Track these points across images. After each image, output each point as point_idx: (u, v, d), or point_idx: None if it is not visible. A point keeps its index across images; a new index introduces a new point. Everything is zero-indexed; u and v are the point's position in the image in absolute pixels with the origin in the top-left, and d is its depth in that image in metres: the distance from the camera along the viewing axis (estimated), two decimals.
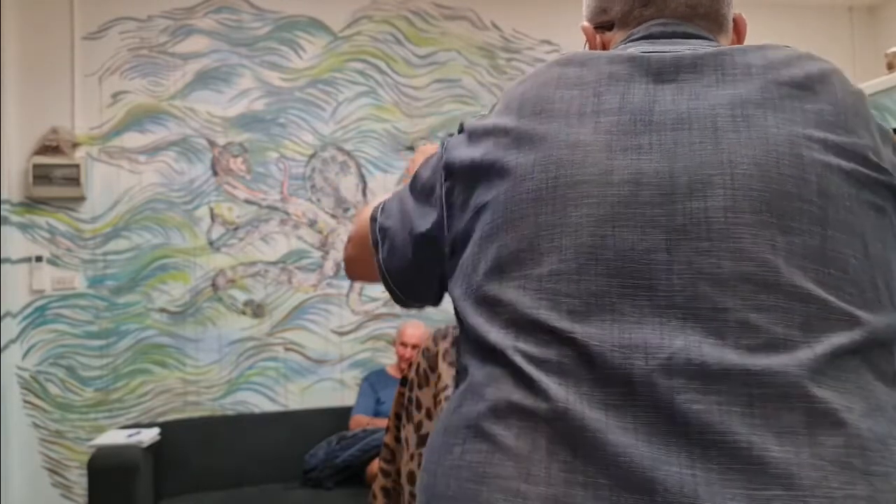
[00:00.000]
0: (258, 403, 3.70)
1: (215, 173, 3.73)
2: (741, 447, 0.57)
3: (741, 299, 0.61)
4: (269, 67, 3.82)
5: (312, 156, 3.86)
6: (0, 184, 3.41)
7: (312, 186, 3.85)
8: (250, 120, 3.78)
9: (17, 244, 3.49)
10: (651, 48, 0.77)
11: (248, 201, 3.77)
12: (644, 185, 0.65)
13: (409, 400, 1.49)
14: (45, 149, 3.48)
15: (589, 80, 0.73)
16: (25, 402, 3.45)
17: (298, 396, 3.75)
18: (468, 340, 0.71)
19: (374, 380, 3.61)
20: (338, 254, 3.87)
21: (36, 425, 3.45)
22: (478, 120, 0.79)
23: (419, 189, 0.82)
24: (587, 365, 0.62)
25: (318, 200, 3.86)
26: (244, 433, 3.48)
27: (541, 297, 0.65)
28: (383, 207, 0.88)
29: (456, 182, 0.76)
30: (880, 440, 0.59)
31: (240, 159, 3.77)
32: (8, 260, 3.45)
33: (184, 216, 3.68)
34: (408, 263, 0.83)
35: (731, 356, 0.60)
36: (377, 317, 3.89)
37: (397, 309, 3.86)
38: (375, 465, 3.13)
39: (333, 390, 3.80)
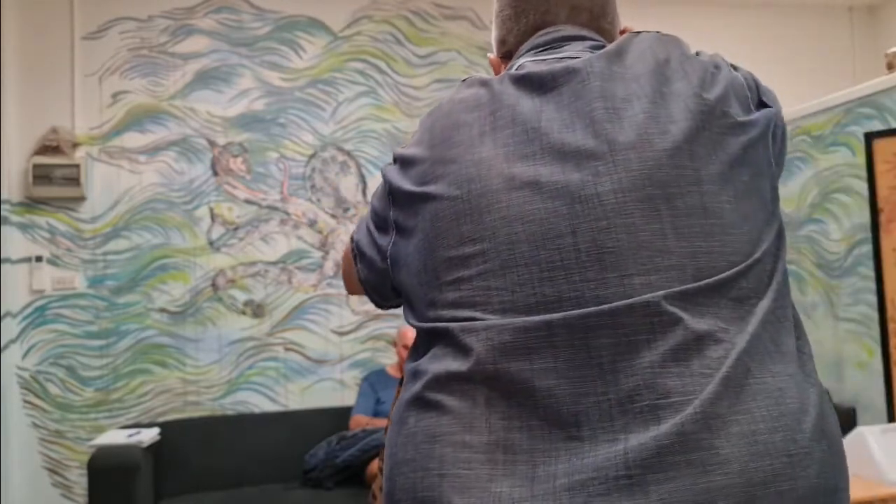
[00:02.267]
0: (258, 403, 3.70)
1: (215, 173, 3.73)
2: (644, 368, 0.67)
3: (641, 264, 0.71)
4: (269, 67, 3.82)
5: (312, 156, 3.86)
6: (0, 184, 3.41)
7: (312, 186, 3.85)
8: (250, 120, 3.78)
9: (17, 244, 3.49)
10: (535, 61, 0.87)
11: (248, 201, 3.77)
12: (543, 184, 0.75)
13: None
14: (45, 149, 3.49)
15: (485, 102, 0.83)
16: (25, 402, 3.45)
17: (298, 396, 3.75)
18: (418, 338, 0.82)
19: (374, 380, 3.61)
20: (338, 254, 3.87)
21: (36, 425, 3.45)
22: (403, 149, 0.89)
23: (375, 215, 0.93)
24: (511, 329, 0.72)
25: (318, 200, 3.86)
26: (244, 433, 3.48)
27: (474, 295, 0.75)
28: (358, 227, 1.00)
29: (397, 207, 0.86)
30: (753, 354, 0.69)
31: (240, 159, 3.77)
32: (8, 260, 3.45)
33: (184, 216, 3.68)
34: (377, 274, 0.93)
35: (635, 299, 0.70)
36: (377, 317, 3.89)
37: (397, 309, 3.86)
38: (375, 465, 3.13)
39: (333, 390, 3.80)
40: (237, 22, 3.81)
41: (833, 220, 3.21)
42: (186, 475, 3.36)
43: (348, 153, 3.90)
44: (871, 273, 2.99)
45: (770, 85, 4.44)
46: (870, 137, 2.96)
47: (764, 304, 0.73)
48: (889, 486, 2.30)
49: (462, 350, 0.73)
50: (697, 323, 0.69)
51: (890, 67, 3.01)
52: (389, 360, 3.84)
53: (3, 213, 3.42)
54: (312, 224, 3.84)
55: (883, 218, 2.93)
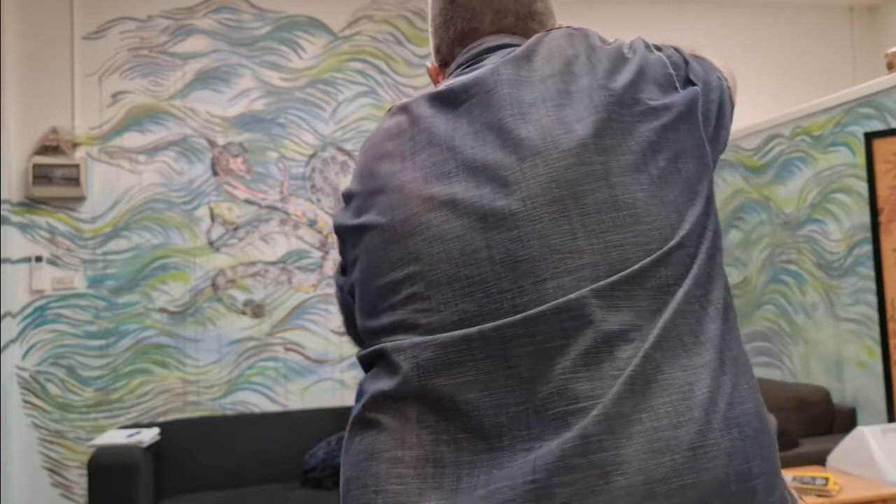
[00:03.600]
0: (258, 403, 3.70)
1: (215, 173, 3.73)
2: (556, 375, 0.68)
3: (553, 268, 0.71)
4: (269, 67, 3.82)
5: (312, 156, 3.86)
6: (0, 184, 3.41)
7: (312, 186, 3.85)
8: (250, 120, 3.78)
9: (17, 244, 3.49)
10: (454, 79, 0.87)
11: (248, 201, 3.77)
12: (458, 202, 0.76)
13: None
14: (45, 149, 3.49)
15: (405, 127, 0.84)
16: (25, 402, 3.45)
17: (298, 396, 3.75)
18: (363, 366, 0.83)
19: None
20: (338, 254, 3.87)
21: (36, 425, 3.45)
22: (345, 187, 0.91)
23: (342, 259, 0.96)
24: (433, 346, 0.73)
25: (318, 200, 3.86)
26: (244, 433, 3.48)
27: (405, 318, 0.76)
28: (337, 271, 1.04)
29: (345, 244, 0.89)
30: (665, 348, 0.68)
31: (240, 159, 3.77)
32: (8, 260, 3.45)
33: (184, 216, 3.68)
34: (347, 313, 0.96)
35: (547, 305, 0.70)
36: None
37: None
38: None
39: (333, 390, 3.80)
40: (237, 22, 3.81)
41: (833, 220, 3.21)
42: (186, 475, 3.36)
43: (348, 153, 3.90)
44: (871, 273, 2.99)
45: (770, 85, 4.45)
46: (870, 137, 2.96)
47: (682, 291, 0.71)
48: (889, 486, 2.30)
49: (392, 369, 0.75)
50: (609, 323, 0.69)
51: (890, 67, 3.01)
52: None
53: (3, 213, 3.42)
54: (312, 224, 3.84)
55: (883, 218, 2.93)
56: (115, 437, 3.15)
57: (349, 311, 0.93)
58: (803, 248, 3.37)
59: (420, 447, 0.71)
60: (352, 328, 0.96)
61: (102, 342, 3.55)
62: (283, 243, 3.80)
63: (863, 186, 3.04)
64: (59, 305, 3.52)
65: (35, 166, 3.43)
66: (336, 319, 3.83)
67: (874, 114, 3.00)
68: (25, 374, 3.46)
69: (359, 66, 3.94)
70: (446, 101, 0.83)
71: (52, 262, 3.52)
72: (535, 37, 0.85)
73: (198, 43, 3.75)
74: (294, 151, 3.83)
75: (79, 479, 3.46)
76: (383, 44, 3.98)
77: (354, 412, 0.78)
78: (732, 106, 0.91)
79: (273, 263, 3.78)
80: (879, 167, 2.94)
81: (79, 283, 3.54)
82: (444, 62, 0.98)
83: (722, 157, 3.87)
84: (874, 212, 2.95)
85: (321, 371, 3.79)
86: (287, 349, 3.76)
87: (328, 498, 3.17)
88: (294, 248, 3.81)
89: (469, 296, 0.73)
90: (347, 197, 0.87)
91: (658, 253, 0.72)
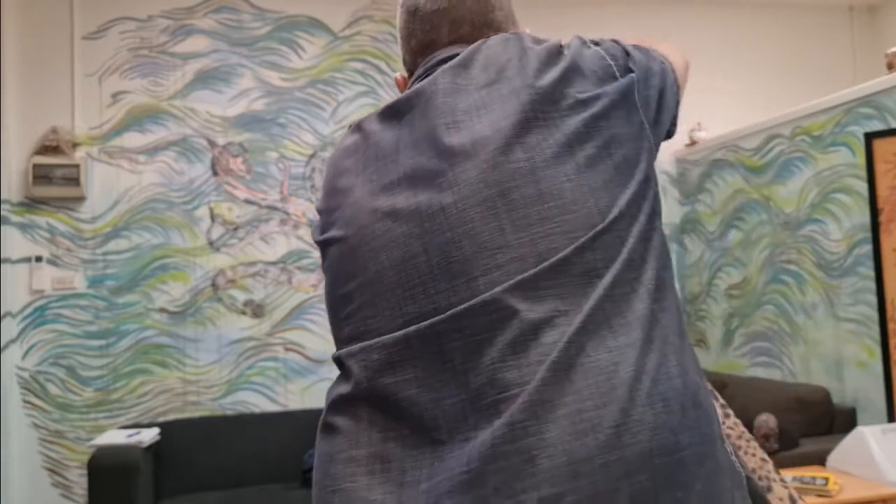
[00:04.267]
0: (258, 403, 3.70)
1: (215, 173, 3.73)
2: (486, 365, 0.70)
3: (484, 265, 0.74)
4: (269, 67, 3.82)
5: (312, 156, 3.86)
6: (0, 184, 3.41)
7: (312, 186, 3.85)
8: (250, 120, 3.78)
9: (17, 244, 3.49)
10: (402, 94, 0.90)
11: (248, 201, 3.77)
12: (399, 210, 0.79)
13: None
14: (45, 149, 3.49)
15: (359, 144, 0.88)
16: (25, 402, 3.45)
17: (298, 396, 3.75)
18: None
19: None
20: None
21: (36, 425, 3.45)
22: (315, 204, 0.91)
23: None
24: (378, 347, 0.76)
25: (318, 200, 3.85)
26: (244, 433, 3.48)
27: (358, 327, 0.79)
28: None
29: (322, 259, 0.92)
30: (591, 332, 0.70)
31: (240, 159, 3.77)
32: (8, 260, 3.45)
33: (184, 216, 3.68)
34: None
35: (475, 300, 0.73)
36: None
37: None
38: None
39: None
40: (237, 22, 3.81)
41: (833, 220, 3.21)
42: (186, 475, 3.36)
43: None
44: (871, 273, 2.99)
45: (770, 85, 4.45)
46: (870, 137, 2.96)
47: (611, 274, 0.73)
48: (889, 486, 2.30)
49: (347, 374, 0.79)
50: (534, 312, 0.71)
51: (890, 67, 3.01)
52: None
53: (3, 213, 3.42)
54: (312, 224, 3.84)
55: (883, 218, 2.93)
56: (115, 437, 3.15)
57: None
58: (803, 248, 3.37)
59: (370, 445, 0.74)
60: None
61: (102, 342, 3.55)
62: (283, 243, 3.80)
63: (863, 186, 3.04)
64: (59, 305, 3.52)
65: (35, 166, 3.43)
66: None
67: (874, 114, 3.00)
68: (25, 374, 3.46)
69: (359, 66, 3.94)
70: (392, 114, 0.86)
71: (52, 262, 3.52)
72: (474, 45, 0.88)
73: (198, 43, 3.75)
74: (294, 151, 3.83)
75: (79, 479, 3.46)
76: (383, 44, 3.98)
77: (320, 420, 0.82)
78: (678, 89, 0.94)
79: (273, 263, 3.78)
80: (879, 167, 2.94)
81: (79, 283, 3.54)
82: (410, 73, 1.01)
83: (722, 157, 3.88)
84: (874, 212, 2.94)
85: (321, 371, 3.79)
86: (287, 349, 3.76)
87: None
88: (294, 248, 3.81)
89: (411, 299, 0.76)
90: (318, 212, 0.92)
91: (583, 239, 0.74)
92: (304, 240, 3.83)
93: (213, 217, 3.71)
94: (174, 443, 3.37)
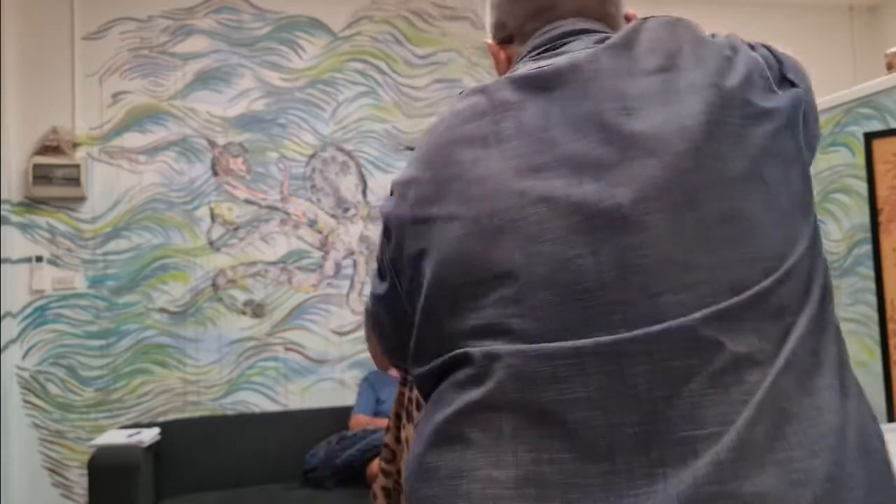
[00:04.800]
0: (258, 403, 3.70)
1: (215, 173, 3.73)
2: (682, 397, 0.62)
3: (671, 282, 0.65)
4: (269, 67, 3.82)
5: (312, 156, 3.86)
6: (0, 184, 3.41)
7: (312, 186, 3.85)
8: (250, 120, 3.78)
9: (17, 244, 3.49)
10: (537, 63, 0.79)
11: (248, 201, 3.77)
12: (557, 199, 0.69)
13: (410, 400, 1.49)
14: (45, 149, 3.48)
15: (486, 111, 0.76)
16: (25, 402, 3.45)
17: (298, 396, 3.75)
18: (429, 379, 0.76)
19: (374, 380, 3.61)
20: (338, 254, 3.87)
21: (36, 425, 3.45)
22: (400, 174, 0.82)
23: (378, 264, 0.87)
24: (538, 356, 0.66)
25: (318, 200, 3.86)
26: (244, 433, 3.48)
27: (493, 322, 0.69)
28: (371, 292, 0.94)
29: (396, 242, 0.79)
30: (790, 373, 0.64)
31: (240, 159, 3.77)
32: (8, 260, 3.45)
33: (184, 216, 3.68)
34: (390, 331, 0.87)
35: (670, 323, 0.65)
36: None
37: None
38: (376, 465, 3.13)
39: (333, 390, 3.80)
40: (237, 22, 3.81)
41: (833, 220, 3.21)
42: (186, 475, 3.36)
43: (348, 153, 3.90)
44: (871, 273, 2.99)
45: None
46: (870, 137, 2.96)
47: (806, 314, 0.67)
48: None
49: (482, 378, 0.68)
50: (736, 345, 0.64)
51: (890, 67, 3.01)
52: None
53: (3, 213, 3.42)
54: (312, 224, 3.84)
55: (883, 218, 2.93)
56: (115, 437, 3.15)
57: (392, 322, 0.84)
58: None
59: (517, 466, 0.64)
60: (394, 341, 0.86)
61: (103, 342, 3.55)
62: (284, 243, 3.80)
63: (862, 186, 3.04)
64: (59, 305, 3.52)
65: (35, 166, 3.43)
66: (336, 319, 3.83)
67: (874, 114, 3.00)
68: (25, 374, 3.46)
69: (359, 66, 3.94)
70: (536, 85, 0.75)
71: (53, 262, 3.52)
72: (631, 24, 0.78)
73: (198, 43, 3.75)
74: (294, 151, 3.83)
75: (79, 479, 3.46)
76: (383, 44, 3.98)
77: (431, 425, 0.70)
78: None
79: (273, 263, 3.78)
80: (879, 167, 2.94)
81: (79, 283, 3.54)
82: (510, 38, 0.90)
83: None
84: (874, 212, 2.95)
85: (321, 371, 3.79)
86: (287, 349, 3.76)
87: (328, 498, 3.17)
88: (294, 248, 3.81)
89: (570, 304, 0.67)
90: (406, 184, 0.79)
91: (778, 273, 0.67)
92: (304, 240, 3.83)
93: (213, 217, 3.71)
94: (174, 443, 3.37)
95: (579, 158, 0.70)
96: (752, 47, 0.80)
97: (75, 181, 3.47)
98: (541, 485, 0.63)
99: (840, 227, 3.17)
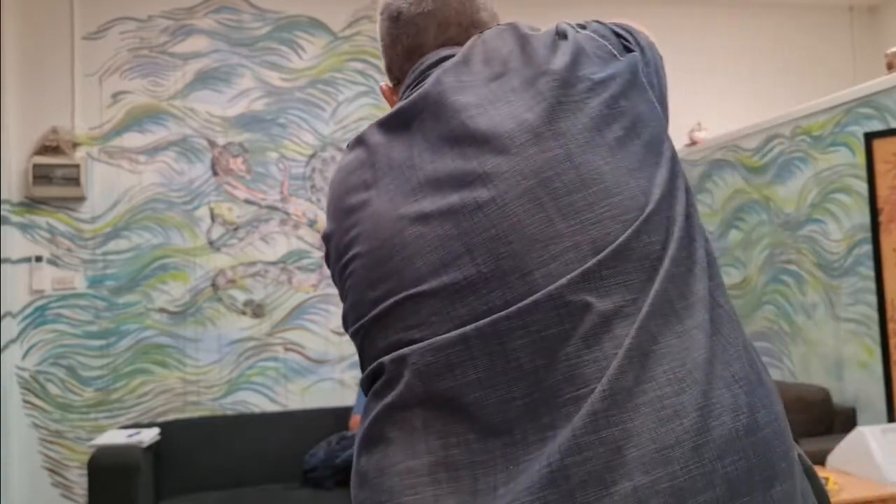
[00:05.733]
0: (258, 403, 3.70)
1: (215, 173, 3.73)
2: (560, 361, 0.68)
3: (537, 258, 0.71)
4: (269, 67, 3.82)
5: (312, 156, 3.86)
6: (0, 184, 3.41)
7: (312, 186, 3.85)
8: (250, 120, 3.79)
9: (17, 244, 3.49)
10: (402, 102, 0.87)
11: (248, 201, 3.77)
12: (429, 214, 0.76)
13: None
14: (45, 149, 3.49)
15: (364, 158, 0.85)
16: (25, 402, 3.45)
17: (298, 396, 3.75)
18: (364, 391, 0.83)
19: None
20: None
21: (36, 425, 3.45)
22: (323, 230, 0.92)
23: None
24: (431, 350, 0.72)
25: (318, 200, 3.86)
26: (244, 433, 3.48)
27: (399, 337, 0.75)
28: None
29: (337, 283, 0.88)
30: (658, 317, 0.69)
31: (240, 159, 3.77)
32: (8, 260, 3.45)
33: (184, 216, 3.68)
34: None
35: (538, 294, 0.70)
36: None
37: None
38: None
39: (333, 390, 3.80)
40: (237, 22, 3.81)
41: (833, 220, 3.21)
42: (186, 475, 3.36)
43: None
44: (871, 273, 2.99)
45: (770, 85, 4.45)
46: (870, 137, 2.96)
47: (669, 256, 0.71)
48: (889, 486, 2.30)
49: (394, 381, 0.74)
50: (604, 303, 0.69)
51: (890, 67, 3.01)
52: None
53: (3, 213, 3.42)
54: (312, 224, 3.84)
55: (883, 218, 2.93)
56: (115, 437, 3.15)
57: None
58: (803, 248, 3.37)
59: (430, 453, 0.70)
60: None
61: (102, 342, 3.55)
62: (283, 243, 3.80)
63: (863, 186, 3.04)
64: (59, 305, 3.52)
65: (35, 166, 3.43)
66: (336, 320, 3.83)
67: (874, 114, 3.00)
68: (25, 374, 3.46)
69: (359, 66, 3.94)
70: (397, 123, 0.84)
71: (53, 262, 3.52)
72: (469, 42, 0.86)
73: (198, 43, 3.75)
74: (294, 151, 3.83)
75: (79, 479, 3.46)
76: None
77: (360, 433, 0.77)
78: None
79: (273, 263, 3.78)
80: (879, 167, 2.94)
81: (79, 283, 3.54)
82: (397, 80, 0.99)
83: (722, 157, 3.88)
84: (874, 212, 2.95)
85: (321, 371, 3.79)
86: (287, 349, 3.76)
87: (328, 498, 3.17)
88: (294, 248, 3.81)
89: (459, 301, 0.73)
90: (327, 239, 0.87)
91: (637, 222, 0.72)
92: (304, 240, 3.83)
93: (213, 217, 3.71)
94: (174, 443, 3.37)
95: (441, 175, 0.77)
96: (583, 27, 0.87)
97: (75, 181, 3.47)
98: (451, 467, 0.69)
99: (840, 227, 3.17)
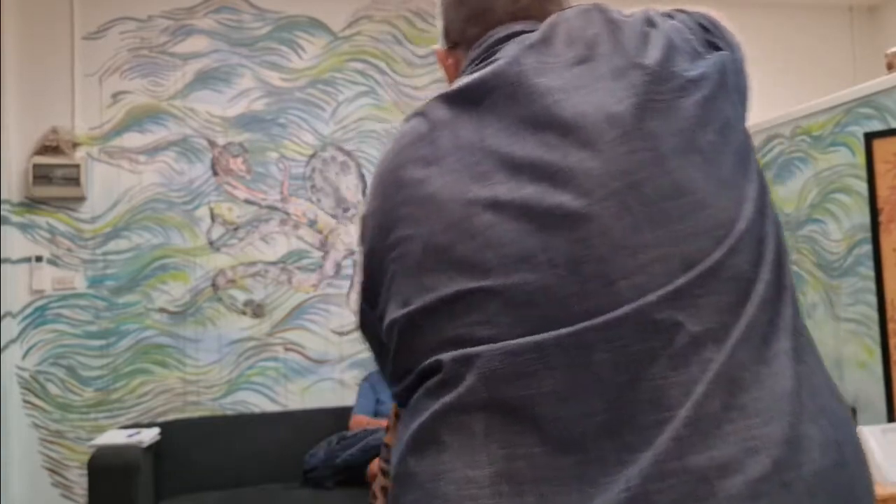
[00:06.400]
0: (258, 403, 3.70)
1: (215, 173, 3.73)
2: (645, 381, 0.63)
3: (623, 266, 0.66)
4: (269, 67, 3.82)
5: (312, 156, 3.86)
6: (0, 184, 3.41)
7: (312, 186, 3.85)
8: (250, 120, 3.78)
9: (17, 244, 3.49)
10: (471, 77, 0.80)
11: (248, 201, 3.77)
12: (502, 204, 0.70)
13: None
14: (45, 149, 3.48)
15: (424, 132, 0.77)
16: (25, 402, 3.45)
17: (298, 396, 3.75)
18: (403, 393, 0.76)
19: (374, 380, 3.61)
20: (338, 254, 3.87)
21: (36, 425, 3.45)
22: (364, 208, 0.83)
23: (362, 290, 0.88)
24: (501, 354, 0.66)
25: (318, 200, 3.86)
26: (244, 433, 3.48)
27: (458, 332, 0.69)
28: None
29: (370, 271, 0.81)
30: (748, 342, 0.65)
31: (240, 159, 3.77)
32: (8, 260, 3.45)
33: (184, 216, 3.68)
34: (380, 347, 0.88)
35: (626, 308, 0.65)
36: None
37: None
38: (375, 464, 3.14)
39: (333, 390, 3.80)
40: (237, 22, 3.81)
41: (833, 220, 3.21)
42: (186, 475, 3.36)
43: (348, 153, 3.90)
44: (871, 273, 2.99)
45: (769, 85, 4.44)
46: (870, 137, 2.96)
47: (763, 279, 0.67)
48: (889, 486, 2.30)
49: (454, 382, 0.68)
50: (694, 323, 0.64)
51: (890, 67, 3.01)
52: None
53: (3, 213, 3.42)
54: (312, 224, 3.84)
55: (883, 218, 2.93)
56: (115, 437, 3.15)
57: (375, 348, 0.85)
58: (803, 248, 3.37)
59: (492, 464, 0.64)
60: (386, 363, 0.87)
61: (102, 342, 3.55)
62: (283, 243, 3.80)
63: (863, 186, 3.04)
64: (59, 305, 3.52)
65: (35, 166, 3.43)
66: (336, 319, 3.83)
67: (874, 114, 3.00)
68: (25, 374, 3.46)
69: (359, 66, 3.94)
70: (466, 99, 0.77)
71: (53, 262, 3.52)
72: (548, 20, 0.79)
73: (198, 43, 3.75)
74: (294, 151, 3.83)
75: (79, 479, 3.46)
76: (383, 44, 3.98)
77: (408, 433, 0.71)
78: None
79: (273, 263, 3.78)
80: (879, 167, 2.94)
81: (79, 283, 3.54)
82: (455, 44, 0.91)
83: None
84: (874, 212, 2.95)
85: (321, 371, 3.79)
86: (287, 349, 3.76)
87: (328, 498, 3.17)
88: (294, 248, 3.81)
89: (531, 302, 0.67)
90: (369, 217, 0.80)
91: (729, 239, 0.67)
92: (304, 240, 3.83)
93: (213, 217, 3.71)
94: (174, 443, 3.37)
95: (518, 162, 0.71)
96: (670, 17, 0.80)
97: (75, 181, 3.47)
98: (515, 480, 0.63)
99: (840, 227, 3.17)
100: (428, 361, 0.71)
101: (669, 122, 0.70)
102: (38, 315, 3.50)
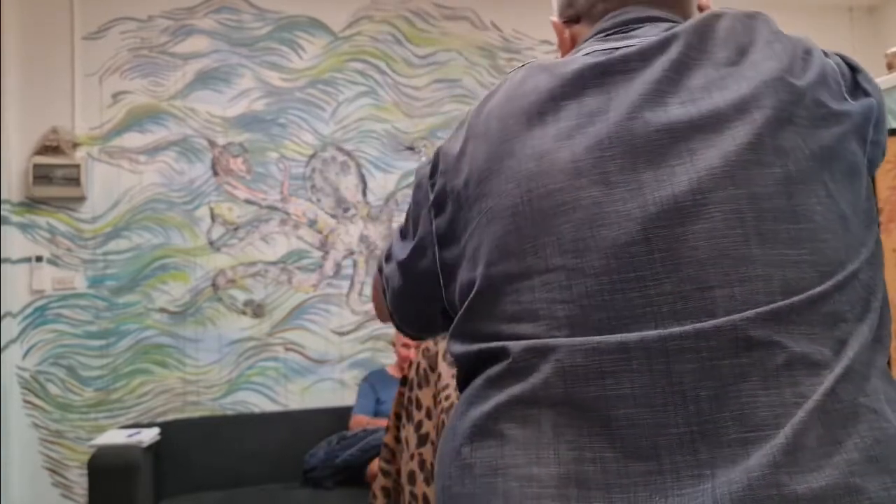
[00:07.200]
0: (258, 403, 3.70)
1: (215, 173, 3.73)
2: (731, 397, 0.60)
3: (723, 275, 0.63)
4: (269, 67, 3.82)
5: (312, 156, 3.86)
6: (0, 184, 3.41)
7: (312, 186, 3.85)
8: (250, 120, 3.79)
9: (17, 244, 3.49)
10: (605, 45, 0.78)
11: (248, 201, 3.77)
12: (613, 182, 0.67)
13: (410, 400, 1.50)
14: (45, 149, 3.48)
15: (545, 88, 0.74)
16: (25, 402, 3.45)
17: (298, 396, 3.75)
18: (465, 364, 0.73)
19: (374, 380, 3.61)
20: (338, 254, 3.87)
21: (36, 425, 3.45)
22: (449, 143, 0.80)
23: (408, 224, 0.85)
24: (584, 350, 0.64)
25: (318, 200, 3.86)
26: (244, 433, 3.48)
27: (537, 308, 0.67)
28: (385, 254, 0.93)
29: (441, 209, 0.78)
30: (849, 380, 0.62)
31: (240, 159, 3.77)
32: (8, 260, 3.45)
33: (184, 216, 3.68)
34: (406, 300, 0.86)
35: (720, 320, 0.62)
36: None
37: None
38: (375, 464, 3.14)
39: (333, 390, 3.80)
40: (237, 22, 3.81)
41: None
42: (186, 475, 3.36)
43: (348, 153, 3.90)
44: None
45: None
46: None
47: (867, 324, 0.65)
48: None
49: (525, 371, 0.66)
50: (789, 347, 0.62)
51: (890, 67, 3.01)
52: (389, 360, 3.83)
53: (3, 213, 3.42)
54: (312, 224, 3.84)
55: (883, 218, 2.93)
56: (115, 437, 3.15)
57: (413, 289, 0.82)
58: None
59: (560, 465, 0.62)
60: (409, 310, 0.84)
61: (102, 342, 3.55)
62: (284, 243, 3.80)
63: None
64: (59, 305, 3.52)
65: (35, 166, 3.43)
66: (336, 319, 3.83)
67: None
68: (25, 374, 3.46)
69: (359, 66, 3.94)
70: (600, 69, 0.73)
71: (53, 262, 3.52)
72: (705, 15, 0.76)
73: (198, 43, 3.75)
74: (294, 151, 3.83)
75: (79, 479, 3.46)
76: (383, 44, 3.98)
77: (467, 420, 0.68)
78: None
79: (273, 263, 3.78)
80: (879, 167, 2.94)
81: (79, 283, 3.54)
82: (577, 18, 0.88)
83: None
84: None
85: (321, 371, 3.79)
86: (287, 349, 3.76)
87: (328, 498, 3.17)
88: (294, 248, 3.81)
89: (620, 293, 0.64)
90: (457, 155, 0.76)
91: (836, 278, 0.64)
92: (304, 240, 3.83)
93: (213, 217, 3.71)
94: (174, 443, 3.37)
95: (638, 143, 0.68)
96: (825, 54, 0.78)
97: (75, 181, 3.47)
98: (583, 485, 0.61)
99: None
100: (494, 344, 0.69)
101: (805, 145, 0.68)
102: (38, 315, 3.50)
